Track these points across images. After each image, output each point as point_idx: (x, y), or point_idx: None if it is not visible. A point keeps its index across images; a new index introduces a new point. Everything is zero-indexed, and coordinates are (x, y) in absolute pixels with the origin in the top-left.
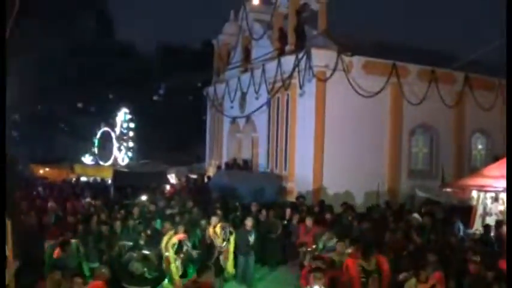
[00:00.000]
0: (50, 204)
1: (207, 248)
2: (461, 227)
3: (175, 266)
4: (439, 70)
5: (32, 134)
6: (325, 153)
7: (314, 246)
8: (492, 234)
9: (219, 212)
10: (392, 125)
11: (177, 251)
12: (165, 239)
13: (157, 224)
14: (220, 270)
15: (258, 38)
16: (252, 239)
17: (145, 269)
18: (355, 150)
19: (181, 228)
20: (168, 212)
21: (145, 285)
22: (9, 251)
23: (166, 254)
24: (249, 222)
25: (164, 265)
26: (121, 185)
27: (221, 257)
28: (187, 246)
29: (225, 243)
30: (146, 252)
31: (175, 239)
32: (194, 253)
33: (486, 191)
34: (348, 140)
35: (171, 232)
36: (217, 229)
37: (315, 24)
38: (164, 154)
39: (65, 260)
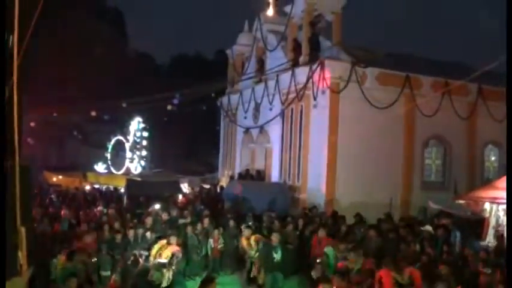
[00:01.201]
0: (64, 211)
1: (239, 258)
2: (458, 234)
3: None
4: (452, 82)
5: (46, 141)
6: (338, 164)
7: (320, 259)
8: (505, 245)
9: (251, 223)
10: (406, 137)
11: (170, 263)
12: (156, 247)
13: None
14: (251, 280)
15: (272, 49)
16: (278, 255)
17: (162, 278)
18: (369, 161)
19: (174, 239)
20: (181, 221)
21: None
22: (23, 259)
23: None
24: (274, 238)
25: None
26: (134, 194)
27: (253, 268)
28: (178, 258)
29: (257, 254)
30: (162, 261)
31: (169, 252)
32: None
33: (499, 203)
34: (361, 151)
35: (164, 242)
36: (252, 241)
37: (329, 35)
38: (177, 163)
39: (71, 269)
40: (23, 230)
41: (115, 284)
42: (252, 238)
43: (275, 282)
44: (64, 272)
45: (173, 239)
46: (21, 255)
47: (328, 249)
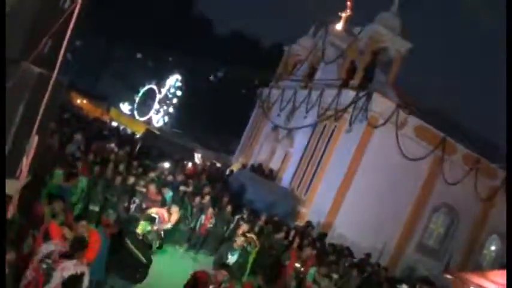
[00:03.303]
0: (76, 136)
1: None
2: None
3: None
4: (484, 161)
5: (85, 63)
6: (348, 194)
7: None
8: None
9: (245, 216)
10: (420, 195)
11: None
12: (153, 210)
13: (168, 197)
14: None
15: (328, 62)
16: (233, 258)
17: (148, 230)
18: (377, 203)
19: (175, 208)
20: (182, 188)
21: (142, 247)
22: (26, 166)
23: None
24: (238, 242)
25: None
26: (148, 145)
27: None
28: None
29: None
30: (154, 215)
31: (159, 213)
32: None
33: None
34: (373, 190)
35: (163, 210)
36: (243, 238)
37: (386, 70)
38: (197, 132)
39: (65, 191)
40: (36, 138)
41: (108, 221)
42: (245, 236)
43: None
44: (56, 190)
45: (175, 208)
46: (25, 162)
47: (313, 269)
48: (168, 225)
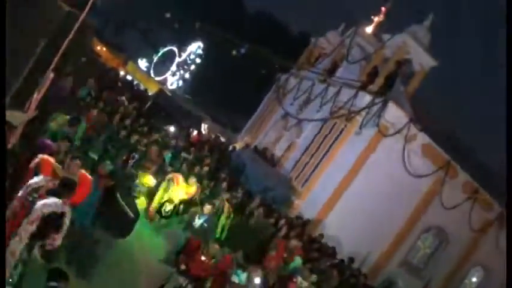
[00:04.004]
0: (90, 80)
1: None
2: None
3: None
4: (483, 192)
5: (112, 12)
6: (343, 196)
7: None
8: None
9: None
10: (414, 212)
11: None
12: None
13: (168, 157)
14: None
15: (352, 62)
16: (199, 221)
17: (139, 189)
18: (369, 211)
19: (193, 180)
20: (183, 155)
21: (132, 202)
22: (35, 101)
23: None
24: (206, 210)
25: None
26: (158, 105)
27: None
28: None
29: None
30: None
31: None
32: None
33: None
34: (369, 198)
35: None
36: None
37: (406, 82)
38: (208, 103)
39: (66, 134)
40: (51, 75)
41: (104, 171)
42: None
43: None
44: (60, 132)
45: (193, 180)
46: (36, 97)
47: (297, 259)
48: (181, 193)
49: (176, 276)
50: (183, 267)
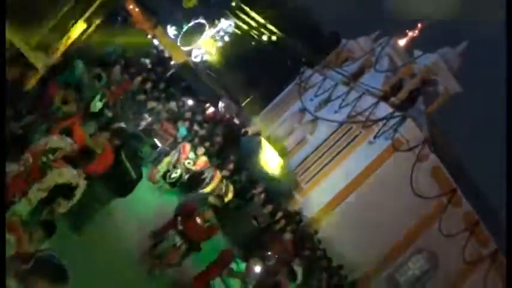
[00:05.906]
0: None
1: None
2: None
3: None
4: (482, 226)
5: None
6: (343, 202)
7: None
8: None
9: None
10: (411, 231)
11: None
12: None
13: (182, 130)
14: None
15: (379, 71)
16: None
17: (145, 155)
18: (367, 222)
19: (201, 151)
20: (196, 128)
21: (137, 168)
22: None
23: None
24: None
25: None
26: (180, 74)
27: None
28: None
29: None
30: (157, 142)
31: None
32: None
33: None
34: (368, 209)
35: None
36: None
37: (428, 102)
38: (229, 83)
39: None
40: (82, 27)
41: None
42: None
43: None
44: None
45: (201, 150)
46: (64, 42)
47: None
48: (191, 163)
49: (173, 235)
50: (180, 227)
